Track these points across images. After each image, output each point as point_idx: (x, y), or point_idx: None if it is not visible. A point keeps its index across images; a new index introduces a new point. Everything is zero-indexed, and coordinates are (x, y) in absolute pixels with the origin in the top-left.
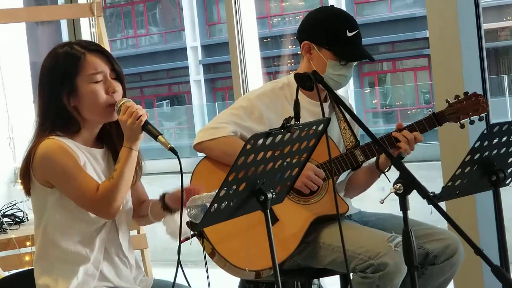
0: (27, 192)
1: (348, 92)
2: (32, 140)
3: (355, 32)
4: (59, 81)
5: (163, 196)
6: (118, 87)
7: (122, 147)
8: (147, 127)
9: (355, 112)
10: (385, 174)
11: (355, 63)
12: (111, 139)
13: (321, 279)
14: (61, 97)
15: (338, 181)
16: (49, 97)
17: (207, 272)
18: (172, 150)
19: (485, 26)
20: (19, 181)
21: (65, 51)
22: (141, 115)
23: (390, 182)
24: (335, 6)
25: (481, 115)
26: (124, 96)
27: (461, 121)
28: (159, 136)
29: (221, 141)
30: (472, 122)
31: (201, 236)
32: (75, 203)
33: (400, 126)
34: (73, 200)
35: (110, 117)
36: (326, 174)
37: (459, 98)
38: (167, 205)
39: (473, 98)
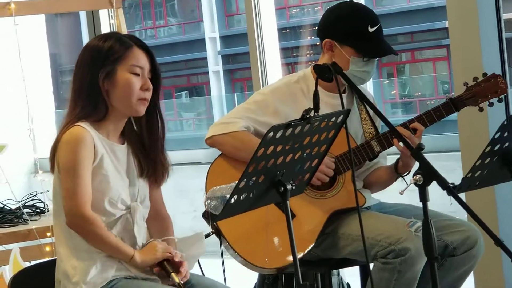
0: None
1: (366, 83)
2: (63, 122)
3: (377, 27)
4: (102, 61)
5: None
6: (151, 86)
7: (150, 151)
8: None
9: (375, 103)
10: (403, 178)
11: (377, 58)
12: (134, 136)
13: (340, 270)
14: (98, 77)
15: (357, 173)
16: (86, 76)
17: (223, 260)
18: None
19: (505, 16)
20: (40, 171)
21: (115, 37)
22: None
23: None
24: (354, 0)
25: (500, 96)
26: (158, 96)
27: (479, 104)
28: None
29: (232, 135)
30: (491, 105)
31: (218, 235)
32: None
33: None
34: (62, 191)
35: (136, 111)
36: (342, 167)
37: (478, 81)
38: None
39: (492, 79)
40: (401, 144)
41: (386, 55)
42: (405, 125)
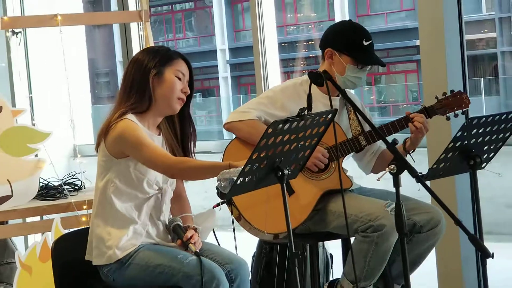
0: (97, 148)
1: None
2: (113, 109)
3: (370, 42)
4: (155, 61)
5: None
6: (188, 91)
7: (183, 138)
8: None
9: (360, 106)
10: (410, 155)
11: (368, 68)
12: (168, 133)
13: (325, 242)
14: (149, 73)
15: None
16: (142, 71)
17: (234, 234)
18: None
19: (466, 37)
20: (79, 155)
21: (166, 48)
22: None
23: (414, 161)
24: (344, 19)
25: (463, 109)
26: (189, 105)
27: (447, 114)
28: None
29: (247, 123)
30: (456, 116)
31: (230, 203)
32: (146, 166)
33: (408, 113)
34: (146, 163)
35: (173, 108)
36: (334, 155)
37: (446, 95)
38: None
39: (458, 95)
40: (414, 126)
41: (376, 65)
42: (407, 117)
